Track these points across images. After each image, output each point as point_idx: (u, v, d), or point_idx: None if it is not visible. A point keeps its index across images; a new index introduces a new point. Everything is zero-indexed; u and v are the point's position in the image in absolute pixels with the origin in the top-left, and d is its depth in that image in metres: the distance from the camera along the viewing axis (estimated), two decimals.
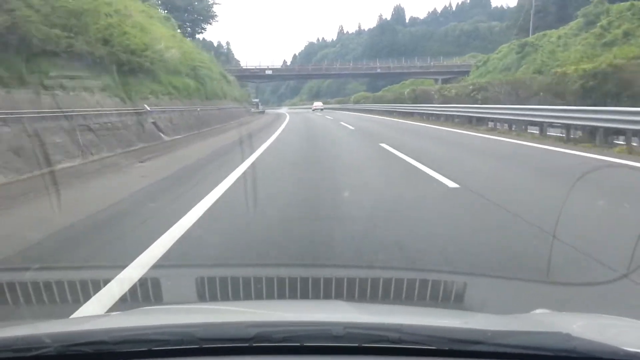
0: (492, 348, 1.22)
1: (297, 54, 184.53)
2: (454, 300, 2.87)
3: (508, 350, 1.22)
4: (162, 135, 16.68)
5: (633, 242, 3.53)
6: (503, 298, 3.14)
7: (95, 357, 1.24)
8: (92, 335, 1.31)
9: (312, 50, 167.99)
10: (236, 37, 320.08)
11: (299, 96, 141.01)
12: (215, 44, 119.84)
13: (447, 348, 1.23)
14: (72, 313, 2.82)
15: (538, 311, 1.76)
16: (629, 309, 2.84)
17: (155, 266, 3.73)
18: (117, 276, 3.39)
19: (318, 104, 69.67)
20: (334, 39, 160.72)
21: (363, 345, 1.25)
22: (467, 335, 1.27)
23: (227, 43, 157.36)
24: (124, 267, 3.58)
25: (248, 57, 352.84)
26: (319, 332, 1.29)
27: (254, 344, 1.25)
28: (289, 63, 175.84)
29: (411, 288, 2.96)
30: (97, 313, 2.82)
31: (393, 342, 1.23)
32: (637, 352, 1.19)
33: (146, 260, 3.79)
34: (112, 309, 2.87)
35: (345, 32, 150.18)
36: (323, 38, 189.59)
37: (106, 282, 3.26)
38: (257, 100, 66.00)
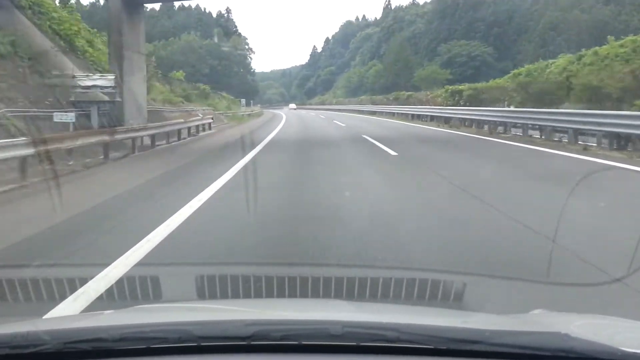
0: (490, 348, 1.22)
1: (330, 37, 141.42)
2: (453, 299, 2.88)
3: (506, 350, 1.22)
4: None
5: None
6: (502, 298, 3.14)
7: (94, 355, 1.24)
8: (91, 332, 1.31)
9: (351, 31, 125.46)
10: (252, 16, 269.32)
11: (332, 91, 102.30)
12: (215, 15, 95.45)
13: (445, 347, 1.23)
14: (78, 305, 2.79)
15: (536, 311, 1.76)
16: (627, 310, 2.85)
17: (154, 264, 3.74)
18: (105, 274, 3.41)
19: (292, 106, 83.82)
20: (378, 18, 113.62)
21: (361, 344, 1.25)
22: (466, 334, 1.27)
23: (228, 10, 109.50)
24: (107, 265, 3.57)
25: (265, 44, 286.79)
26: (317, 331, 1.29)
27: (252, 342, 1.25)
28: (319, 49, 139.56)
29: (410, 288, 2.97)
30: (90, 307, 2.83)
31: (391, 341, 1.23)
32: (635, 353, 1.20)
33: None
34: (99, 307, 2.87)
35: (392, 7, 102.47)
36: (364, 16, 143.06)
37: (87, 280, 3.26)
38: (103, 82, 13.29)
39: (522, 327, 1.48)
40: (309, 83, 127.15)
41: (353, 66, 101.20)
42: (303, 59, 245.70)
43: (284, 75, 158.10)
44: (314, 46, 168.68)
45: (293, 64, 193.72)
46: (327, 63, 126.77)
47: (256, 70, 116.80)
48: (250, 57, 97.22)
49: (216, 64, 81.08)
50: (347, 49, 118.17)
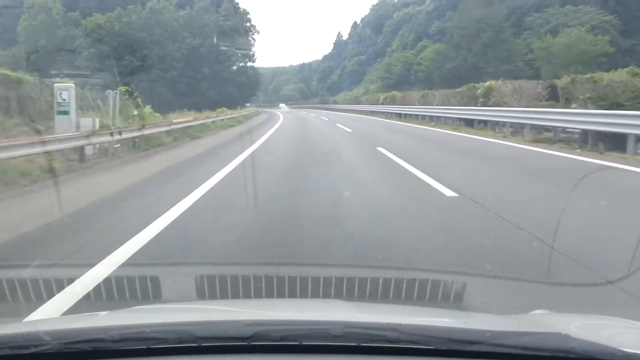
0: (490, 348, 1.22)
1: (358, 22, 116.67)
2: (454, 300, 2.88)
3: (507, 350, 1.22)
4: None
5: None
6: (502, 298, 3.14)
7: (94, 355, 1.24)
8: (91, 332, 1.31)
9: (385, 13, 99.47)
10: (267, 4, 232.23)
11: (362, 85, 79.43)
12: None
13: (445, 348, 1.23)
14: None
15: (537, 312, 1.76)
16: (627, 310, 2.85)
17: (154, 264, 3.74)
18: (105, 273, 3.42)
19: (282, 105, 76.34)
20: None
21: (362, 344, 1.25)
22: (466, 335, 1.28)
23: None
24: (93, 265, 3.58)
25: (281, 36, 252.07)
26: (317, 331, 1.29)
27: (252, 343, 1.25)
28: (344, 37, 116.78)
29: (411, 288, 2.96)
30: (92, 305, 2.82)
31: (392, 341, 1.23)
32: (635, 353, 1.20)
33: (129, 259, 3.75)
34: (98, 307, 2.87)
35: None
36: None
37: (86, 279, 3.27)
38: None
39: (523, 327, 1.48)
40: (333, 76, 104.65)
41: (389, 53, 77.20)
42: (325, 49, 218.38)
43: (302, 70, 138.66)
44: (339, 33, 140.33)
45: (314, 58, 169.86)
46: (355, 52, 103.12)
47: (272, 66, 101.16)
48: (253, 39, 67.78)
49: (197, 45, 56.60)
50: (380, 34, 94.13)
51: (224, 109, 32.58)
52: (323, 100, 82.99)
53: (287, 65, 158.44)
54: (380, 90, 54.62)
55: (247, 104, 53.12)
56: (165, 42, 52.25)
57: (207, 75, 54.21)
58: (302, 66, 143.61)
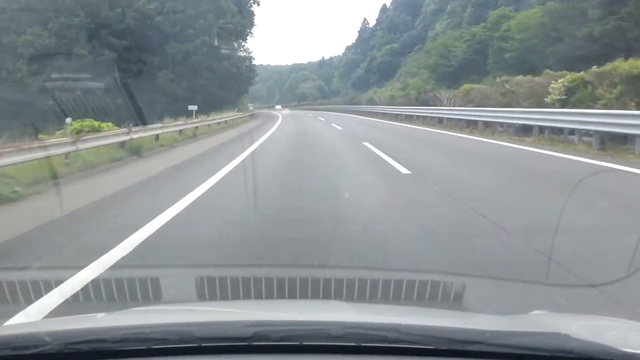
0: (490, 348, 1.22)
1: (388, 5, 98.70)
2: (453, 300, 2.88)
3: (506, 350, 1.22)
4: None
5: None
6: (502, 299, 3.14)
7: (94, 355, 1.25)
8: (92, 333, 1.31)
9: None
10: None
11: (397, 78, 63.36)
12: None
13: (445, 348, 1.23)
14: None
15: (536, 312, 1.76)
16: (626, 311, 2.85)
17: (154, 266, 3.75)
18: (105, 275, 3.42)
19: (278, 107, 72.30)
20: None
21: (361, 344, 1.25)
22: (466, 335, 1.28)
23: None
24: (83, 267, 3.57)
25: (300, 32, 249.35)
26: (317, 331, 1.29)
27: (253, 343, 1.25)
28: (370, 24, 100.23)
29: (410, 289, 2.97)
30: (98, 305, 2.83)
31: (391, 341, 1.24)
32: (635, 353, 1.20)
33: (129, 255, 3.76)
34: (99, 308, 2.87)
35: None
36: None
37: (87, 281, 3.27)
38: None
39: (522, 327, 1.48)
40: (358, 70, 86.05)
41: (431, 38, 60.36)
42: (348, 40, 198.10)
43: (322, 66, 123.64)
44: (364, 19, 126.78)
45: (336, 53, 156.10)
46: (385, 40, 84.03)
47: (290, 63, 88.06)
48: (250, 10, 48.86)
49: (153, 12, 34.76)
50: (417, 16, 78.38)
51: (92, 121, 14.76)
52: (351, 100, 59.48)
53: (306, 61, 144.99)
54: (430, 84, 36.87)
55: (193, 107, 26.00)
56: (100, 5, 31.56)
57: (172, 61, 33.27)
58: (322, 62, 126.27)
